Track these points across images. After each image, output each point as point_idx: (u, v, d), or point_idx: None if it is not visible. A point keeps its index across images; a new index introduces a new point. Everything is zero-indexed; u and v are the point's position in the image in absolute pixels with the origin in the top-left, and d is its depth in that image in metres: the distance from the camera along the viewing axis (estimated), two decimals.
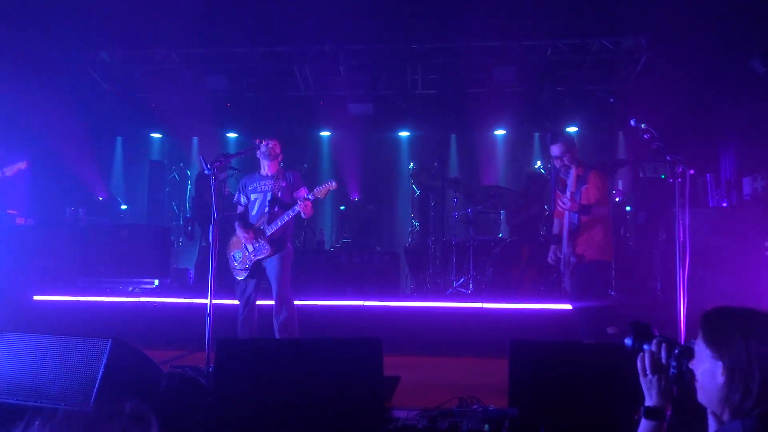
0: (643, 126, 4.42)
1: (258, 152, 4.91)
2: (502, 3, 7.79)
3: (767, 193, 7.10)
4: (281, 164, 5.09)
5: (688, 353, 1.61)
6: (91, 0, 7.31)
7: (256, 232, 4.78)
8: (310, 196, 4.71)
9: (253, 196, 4.92)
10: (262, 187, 4.89)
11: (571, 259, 4.39)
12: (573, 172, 4.46)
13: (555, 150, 4.54)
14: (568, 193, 4.40)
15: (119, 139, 10.59)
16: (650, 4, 7.45)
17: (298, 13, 7.91)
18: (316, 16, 7.99)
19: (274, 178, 4.92)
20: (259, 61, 9.34)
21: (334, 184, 4.80)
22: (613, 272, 6.52)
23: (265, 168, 4.96)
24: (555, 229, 4.76)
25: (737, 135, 8.54)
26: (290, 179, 4.93)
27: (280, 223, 4.74)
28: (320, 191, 4.74)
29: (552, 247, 4.66)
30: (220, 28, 8.37)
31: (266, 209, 4.83)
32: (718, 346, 1.51)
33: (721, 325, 1.54)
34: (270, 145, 4.89)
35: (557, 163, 4.56)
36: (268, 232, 4.75)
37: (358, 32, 8.42)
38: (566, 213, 4.48)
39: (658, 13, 7.46)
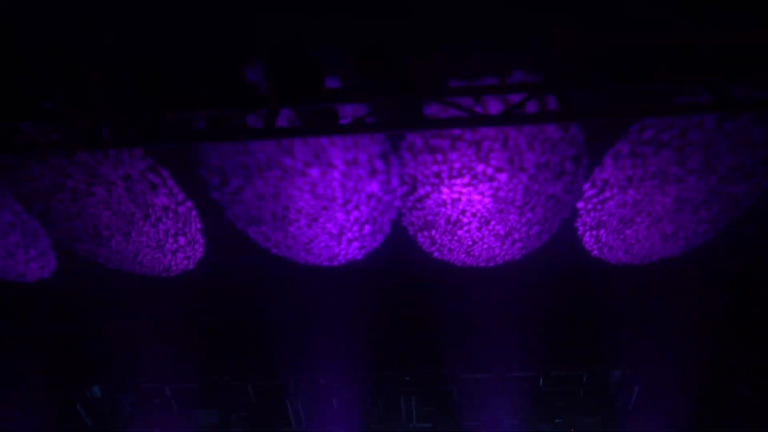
0: None
1: None
2: (490, 336, 8.19)
3: None
4: None
5: None
6: (91, 335, 7.72)
7: None
8: None
9: None
10: None
11: None
12: None
13: None
14: None
15: None
16: (633, 338, 7.81)
17: (291, 347, 8.25)
18: (309, 350, 8.30)
19: None
20: (251, 395, 9.29)
21: None
22: None
23: None
24: None
25: None
26: None
27: None
28: None
29: None
30: (217, 361, 8.60)
31: None
32: None
33: None
34: None
35: None
36: None
37: (351, 366, 8.61)
38: None
39: (643, 345, 7.77)
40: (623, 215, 6.23)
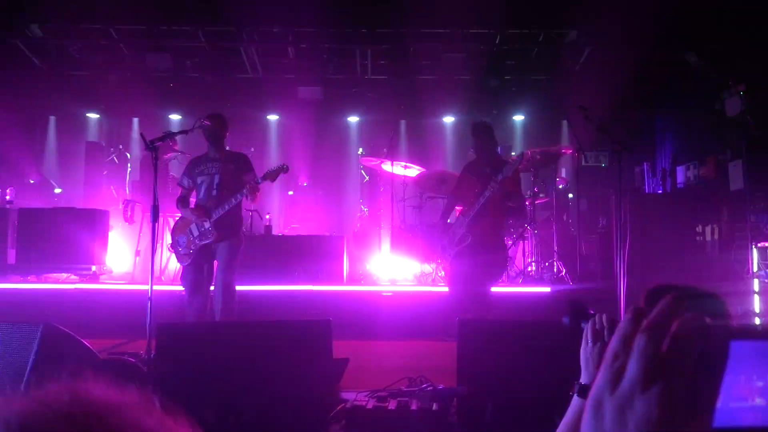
0: (586, 112, 4.60)
1: (203, 132, 4.72)
2: None
3: (698, 180, 7.47)
4: (227, 147, 4.97)
5: None
6: None
7: (200, 213, 4.60)
8: (259, 180, 4.58)
9: (199, 179, 4.72)
10: (210, 169, 4.70)
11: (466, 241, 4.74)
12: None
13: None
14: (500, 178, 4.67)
15: (52, 118, 10.04)
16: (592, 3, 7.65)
17: None
18: None
19: (223, 160, 4.73)
20: (204, 41, 9.05)
21: (286, 167, 4.69)
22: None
23: (213, 150, 4.77)
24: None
25: (673, 126, 8.94)
26: (239, 162, 4.78)
27: (227, 207, 4.57)
28: (270, 174, 4.61)
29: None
30: (161, 4, 8.03)
31: (213, 192, 4.65)
32: None
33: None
34: (210, 124, 4.68)
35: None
36: (214, 216, 4.57)
37: (306, 15, 8.27)
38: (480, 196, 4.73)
39: (600, 8, 7.69)
40: None
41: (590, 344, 1.60)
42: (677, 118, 8.79)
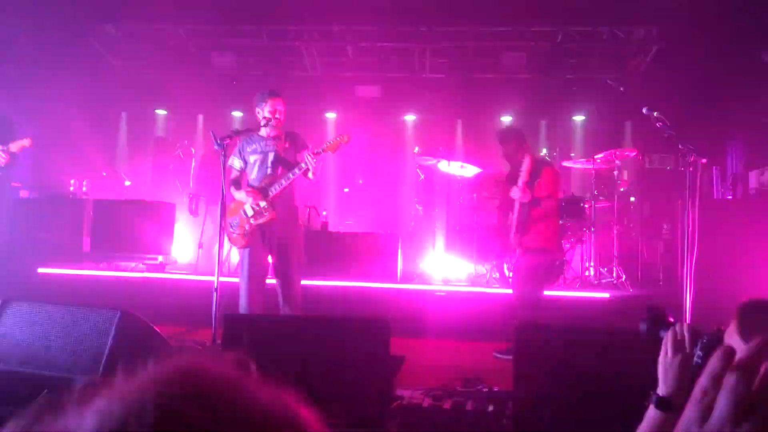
0: (655, 114, 4.45)
1: (260, 115, 4.49)
2: None
3: None
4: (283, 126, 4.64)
5: (718, 343, 1.33)
6: None
7: (256, 194, 4.35)
8: (318, 149, 4.32)
9: (252, 158, 4.45)
10: (263, 147, 4.43)
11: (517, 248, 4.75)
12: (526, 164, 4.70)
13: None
14: (520, 183, 4.62)
15: (124, 114, 10.54)
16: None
17: None
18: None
19: (276, 138, 4.46)
20: (266, 40, 9.29)
21: (346, 137, 4.40)
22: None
23: (266, 129, 4.47)
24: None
25: (745, 128, 8.51)
26: (294, 139, 4.51)
27: (284, 183, 4.32)
28: (330, 145, 4.35)
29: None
30: (228, 5, 8.31)
31: (268, 170, 4.39)
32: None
33: (763, 318, 1.43)
34: (271, 106, 4.42)
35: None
36: (271, 194, 4.32)
37: (366, 14, 8.36)
38: (516, 202, 4.75)
39: (671, 4, 7.41)
40: None
41: (670, 354, 1.48)
42: (750, 121, 8.35)
